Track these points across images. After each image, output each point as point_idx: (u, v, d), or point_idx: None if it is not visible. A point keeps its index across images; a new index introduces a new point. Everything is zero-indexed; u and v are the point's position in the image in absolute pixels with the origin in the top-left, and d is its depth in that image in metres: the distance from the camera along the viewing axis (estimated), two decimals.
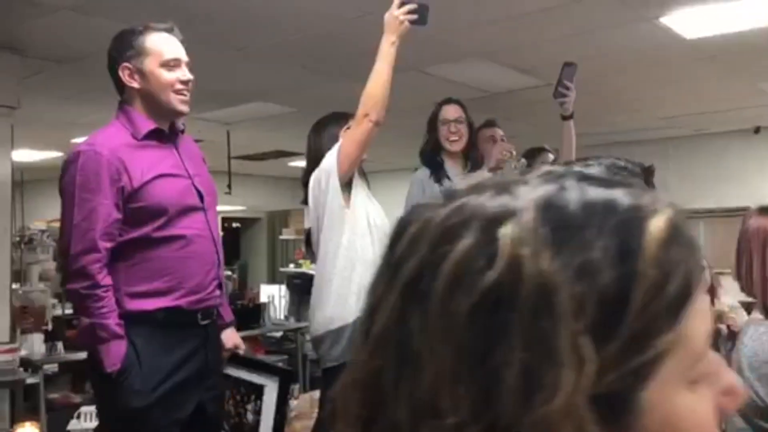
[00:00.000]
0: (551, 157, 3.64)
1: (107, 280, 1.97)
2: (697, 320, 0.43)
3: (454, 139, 2.99)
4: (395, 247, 0.46)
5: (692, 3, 3.37)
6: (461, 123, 3.01)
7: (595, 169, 0.47)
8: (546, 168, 0.46)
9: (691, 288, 0.42)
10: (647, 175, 1.18)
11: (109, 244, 1.98)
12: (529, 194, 0.43)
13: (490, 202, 0.43)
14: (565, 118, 2.99)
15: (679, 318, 0.41)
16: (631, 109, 5.78)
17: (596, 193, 0.43)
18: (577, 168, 0.46)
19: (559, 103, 2.95)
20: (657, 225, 0.42)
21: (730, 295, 3.48)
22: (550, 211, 0.42)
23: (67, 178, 2.00)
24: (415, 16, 2.27)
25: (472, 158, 3.16)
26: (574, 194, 0.43)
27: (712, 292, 3.53)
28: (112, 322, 1.95)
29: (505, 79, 4.69)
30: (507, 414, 0.39)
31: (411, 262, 0.44)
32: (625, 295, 0.40)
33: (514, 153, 3.54)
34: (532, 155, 3.58)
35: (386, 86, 2.26)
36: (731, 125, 6.52)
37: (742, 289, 1.73)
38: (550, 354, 0.39)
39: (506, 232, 0.41)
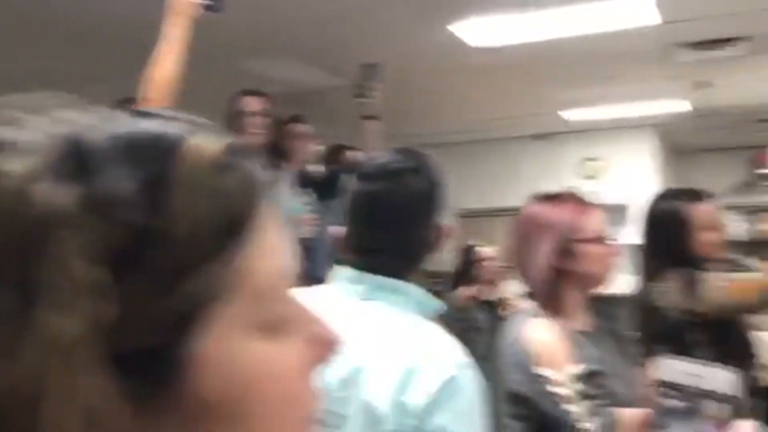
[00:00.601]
0: (354, 155, 3.72)
1: None
2: (262, 256, 0.38)
3: (256, 132, 2.93)
4: None
5: (477, 13, 3.58)
6: (264, 116, 2.96)
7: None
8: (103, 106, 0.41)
9: (244, 221, 0.38)
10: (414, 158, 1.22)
11: None
12: (50, 126, 0.37)
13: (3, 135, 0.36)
14: (366, 117, 3.07)
15: (227, 252, 0.37)
16: (431, 113, 6.05)
17: (134, 125, 0.39)
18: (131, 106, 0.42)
19: (359, 104, 3.04)
20: (199, 154, 0.37)
21: (517, 285, 3.77)
22: (71, 143, 0.36)
23: None
24: (209, 2, 2.18)
25: (276, 153, 3.14)
26: (108, 126, 0.37)
27: (493, 282, 3.82)
28: None
29: (313, 77, 4.72)
30: None
31: None
32: (153, 230, 0.35)
33: (320, 150, 3.58)
34: (335, 153, 3.64)
35: (170, 70, 2.12)
36: (524, 130, 7.04)
37: (522, 279, 1.80)
38: (44, 305, 0.32)
39: (10, 167, 0.34)
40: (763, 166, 6.18)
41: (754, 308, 1.99)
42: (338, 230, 2.72)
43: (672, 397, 0.49)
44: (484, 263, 3.65)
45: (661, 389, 0.47)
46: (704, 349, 1.85)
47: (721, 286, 1.92)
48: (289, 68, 4.49)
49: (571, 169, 6.92)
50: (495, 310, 3.50)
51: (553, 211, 1.69)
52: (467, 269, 3.69)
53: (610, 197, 6.03)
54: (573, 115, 6.33)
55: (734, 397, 0.47)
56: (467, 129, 6.82)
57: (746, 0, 3.53)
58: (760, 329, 2.43)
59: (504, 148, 7.35)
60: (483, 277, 3.63)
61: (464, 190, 7.08)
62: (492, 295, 3.55)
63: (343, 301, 1.24)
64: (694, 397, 0.48)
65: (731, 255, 2.40)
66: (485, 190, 7.14)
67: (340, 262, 1.32)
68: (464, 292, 3.61)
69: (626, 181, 6.54)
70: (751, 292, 1.91)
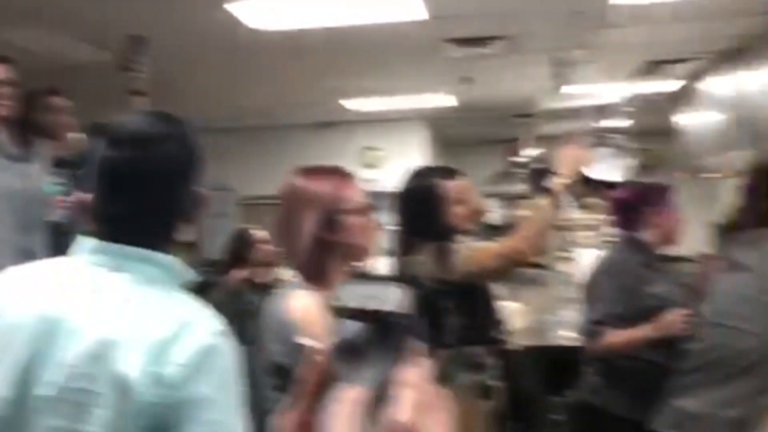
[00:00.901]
0: None
1: None
2: None
3: (3, 104, 2.64)
4: None
5: None
6: (10, 85, 2.67)
7: None
8: None
9: None
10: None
11: None
12: None
13: None
14: (133, 93, 2.92)
15: None
16: (208, 95, 5.81)
17: None
18: None
19: (127, 78, 2.89)
20: None
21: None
22: None
23: None
24: None
25: (29, 128, 2.87)
26: None
27: (267, 264, 3.79)
28: None
29: (77, 51, 4.36)
30: None
31: None
32: None
33: (82, 139, 3.32)
34: (98, 130, 3.41)
35: None
36: (307, 118, 7.09)
37: (286, 252, 1.81)
38: None
39: None
40: (515, 156, 6.86)
41: (492, 274, 2.19)
42: (83, 197, 2.54)
43: (353, 319, 0.53)
44: (259, 246, 3.64)
45: (343, 314, 0.50)
46: (454, 314, 2.00)
47: (467, 255, 2.09)
48: (51, 40, 4.11)
49: (353, 158, 7.14)
50: (269, 292, 3.50)
51: (315, 183, 1.73)
52: (241, 252, 3.67)
53: (387, 185, 6.35)
54: (354, 104, 6.52)
55: (406, 315, 0.51)
56: (249, 114, 6.73)
57: (506, 1, 3.85)
58: (503, 299, 2.70)
59: (287, 135, 7.37)
60: (257, 260, 3.62)
61: (247, 177, 7.01)
62: (266, 278, 3.55)
63: (86, 273, 1.16)
64: (372, 318, 0.52)
65: (483, 233, 2.63)
66: (269, 177, 7.08)
67: (84, 233, 1.24)
68: (237, 274, 3.58)
69: (402, 170, 6.87)
70: (489, 258, 2.10)
